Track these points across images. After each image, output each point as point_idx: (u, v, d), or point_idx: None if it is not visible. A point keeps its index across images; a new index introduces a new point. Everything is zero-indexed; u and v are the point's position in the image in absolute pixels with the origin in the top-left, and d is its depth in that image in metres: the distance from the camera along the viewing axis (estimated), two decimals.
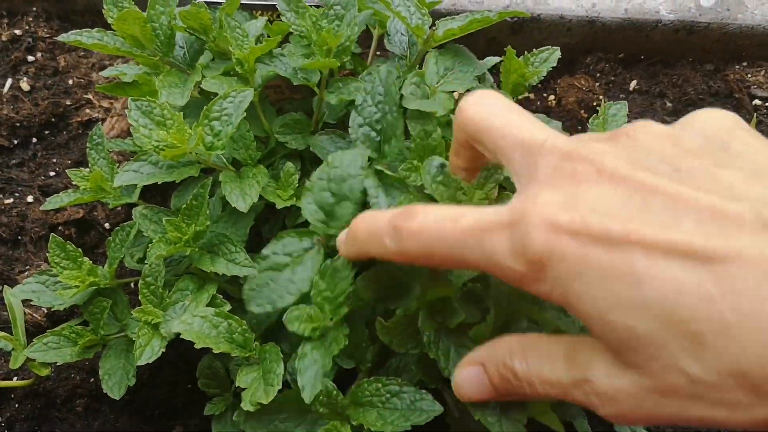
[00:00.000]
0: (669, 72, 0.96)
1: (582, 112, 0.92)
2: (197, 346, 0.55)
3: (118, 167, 0.70)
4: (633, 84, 0.96)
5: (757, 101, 0.94)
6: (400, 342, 0.54)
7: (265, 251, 0.54)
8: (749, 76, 0.95)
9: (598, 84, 0.95)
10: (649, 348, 0.32)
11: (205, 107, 0.61)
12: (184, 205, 0.61)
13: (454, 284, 0.51)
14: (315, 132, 0.70)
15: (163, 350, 0.60)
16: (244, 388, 0.56)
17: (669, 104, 0.95)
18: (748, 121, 0.91)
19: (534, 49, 0.70)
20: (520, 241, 0.35)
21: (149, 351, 0.60)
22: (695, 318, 0.30)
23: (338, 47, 0.63)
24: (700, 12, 0.92)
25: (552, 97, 0.94)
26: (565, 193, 0.35)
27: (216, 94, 0.62)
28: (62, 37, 0.65)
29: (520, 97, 0.70)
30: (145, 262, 0.63)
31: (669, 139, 0.37)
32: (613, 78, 0.96)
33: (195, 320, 0.57)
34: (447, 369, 0.51)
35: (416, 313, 0.52)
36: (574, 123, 0.93)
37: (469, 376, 0.45)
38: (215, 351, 0.55)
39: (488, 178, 0.51)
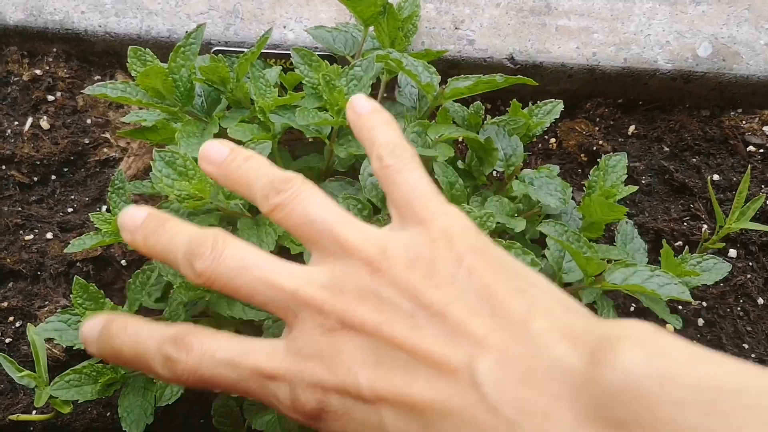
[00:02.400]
0: (666, 117, 1.00)
1: (582, 155, 0.96)
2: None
3: None
4: (631, 129, 0.99)
5: (751, 148, 0.97)
6: None
7: None
8: (744, 123, 0.98)
9: (597, 128, 0.98)
10: None
11: None
12: None
13: None
14: (325, 178, 0.73)
15: (182, 391, 0.62)
16: (260, 431, 0.59)
17: (666, 148, 0.98)
18: (743, 167, 0.95)
19: (537, 94, 0.73)
20: (295, 399, 0.40)
21: (169, 392, 0.63)
22: None
23: None
24: (697, 62, 0.95)
25: (553, 140, 0.98)
26: (324, 353, 0.41)
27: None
28: (88, 90, 0.68)
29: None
30: (166, 303, 0.66)
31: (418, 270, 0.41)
32: (612, 122, 1.00)
33: None
34: None
35: None
36: (574, 166, 0.96)
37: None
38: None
39: None
